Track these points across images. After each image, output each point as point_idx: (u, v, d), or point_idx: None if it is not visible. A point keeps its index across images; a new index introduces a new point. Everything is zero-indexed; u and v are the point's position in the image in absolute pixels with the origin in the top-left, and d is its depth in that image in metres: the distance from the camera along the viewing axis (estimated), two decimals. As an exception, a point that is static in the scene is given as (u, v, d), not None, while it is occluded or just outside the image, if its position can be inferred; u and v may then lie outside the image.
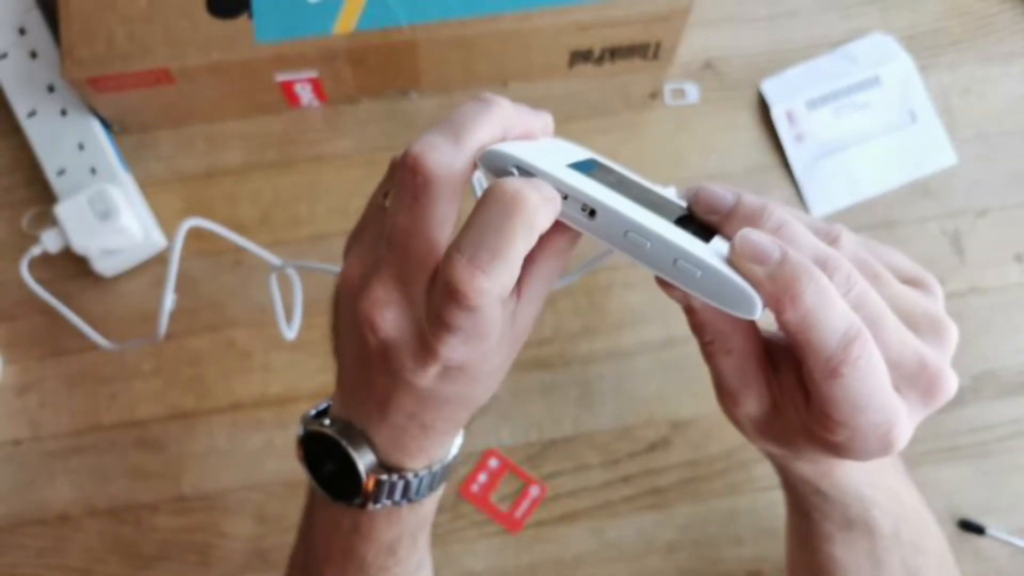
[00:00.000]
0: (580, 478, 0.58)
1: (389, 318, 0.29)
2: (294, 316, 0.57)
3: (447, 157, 0.28)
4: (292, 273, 0.57)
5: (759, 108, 0.65)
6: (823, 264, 0.28)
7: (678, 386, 0.60)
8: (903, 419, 0.29)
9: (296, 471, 0.58)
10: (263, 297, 0.61)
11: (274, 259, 0.57)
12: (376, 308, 0.29)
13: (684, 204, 0.31)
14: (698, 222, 0.30)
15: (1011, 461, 0.58)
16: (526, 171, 0.28)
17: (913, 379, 0.29)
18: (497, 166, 0.29)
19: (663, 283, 0.29)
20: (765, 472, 0.58)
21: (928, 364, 0.29)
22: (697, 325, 0.31)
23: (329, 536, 0.39)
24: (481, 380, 0.33)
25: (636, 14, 0.59)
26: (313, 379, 0.60)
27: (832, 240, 0.31)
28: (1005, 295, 0.61)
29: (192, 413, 0.59)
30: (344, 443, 0.35)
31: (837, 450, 0.30)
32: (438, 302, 0.28)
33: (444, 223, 0.29)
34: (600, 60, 0.63)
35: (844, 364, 0.27)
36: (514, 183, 0.27)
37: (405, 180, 0.28)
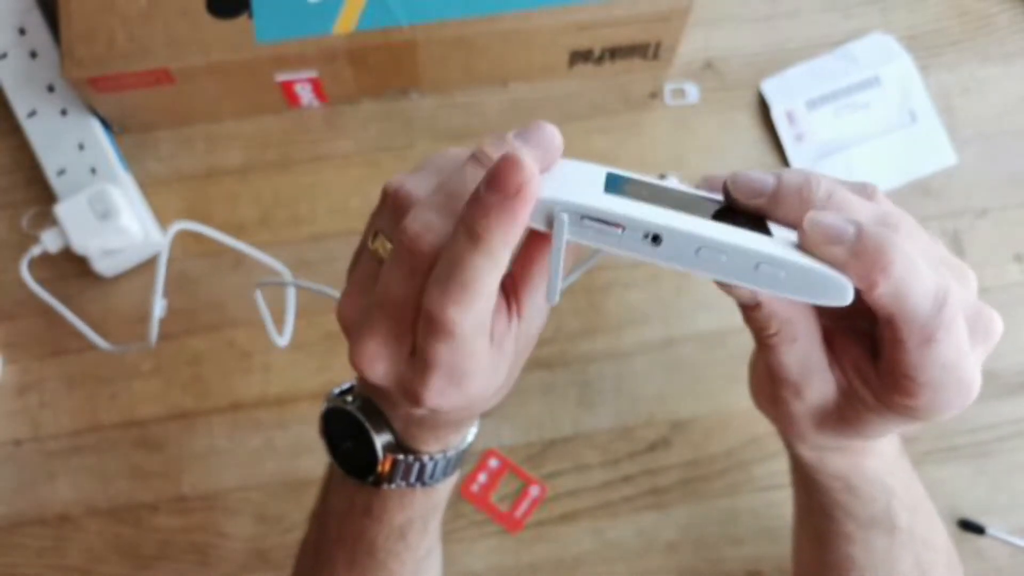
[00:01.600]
0: (580, 478, 0.58)
1: (379, 370, 0.30)
2: (286, 322, 0.57)
3: (444, 237, 0.28)
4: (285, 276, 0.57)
5: (759, 108, 0.65)
6: (886, 225, 0.27)
7: (678, 386, 0.60)
8: (976, 368, 0.29)
9: (296, 471, 0.58)
10: (263, 297, 0.61)
11: (265, 258, 0.57)
12: (366, 361, 0.30)
13: (714, 197, 0.30)
14: (740, 213, 0.29)
15: (1011, 461, 0.58)
16: (576, 212, 0.27)
17: (975, 326, 0.29)
18: (543, 216, 0.27)
19: (724, 284, 0.28)
20: (765, 472, 0.58)
21: (982, 309, 0.29)
22: (761, 319, 0.30)
23: (342, 517, 0.40)
24: (482, 401, 0.33)
25: (636, 14, 0.59)
26: (313, 379, 0.60)
27: (872, 195, 0.30)
28: (1005, 295, 0.61)
29: (192, 413, 0.59)
30: (364, 420, 0.36)
31: (915, 413, 0.29)
32: (421, 341, 0.28)
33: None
34: (600, 60, 0.63)
35: (940, 328, 0.26)
36: (470, 213, 0.26)
37: (401, 254, 0.28)
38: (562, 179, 0.29)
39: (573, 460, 0.59)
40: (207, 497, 0.58)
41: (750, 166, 0.63)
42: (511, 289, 0.31)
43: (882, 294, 0.26)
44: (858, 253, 0.26)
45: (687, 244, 0.26)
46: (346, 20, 0.58)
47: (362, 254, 0.32)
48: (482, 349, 0.29)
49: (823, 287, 0.26)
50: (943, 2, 0.67)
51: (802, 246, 0.27)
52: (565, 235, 0.27)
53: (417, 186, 0.30)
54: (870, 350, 0.31)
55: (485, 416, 0.41)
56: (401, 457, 0.37)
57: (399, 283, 0.28)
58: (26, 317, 0.61)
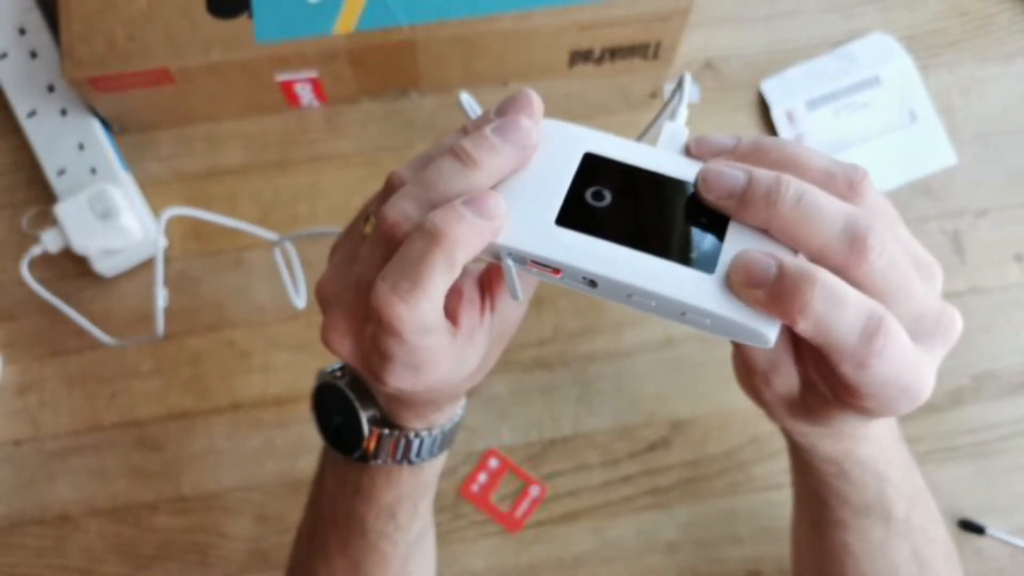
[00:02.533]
0: (580, 478, 0.58)
1: (346, 347, 0.31)
2: (299, 285, 0.57)
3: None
4: (289, 249, 0.57)
5: (759, 108, 0.65)
6: (853, 235, 0.27)
7: (678, 386, 0.60)
8: (928, 370, 0.29)
9: (296, 471, 0.58)
10: (263, 297, 0.61)
11: (269, 234, 0.57)
12: (336, 337, 0.31)
13: (695, 168, 0.30)
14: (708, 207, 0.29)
15: (1011, 461, 0.58)
16: (519, 256, 0.28)
17: (933, 328, 0.29)
18: (491, 252, 0.29)
19: None
20: (765, 472, 0.58)
21: (943, 311, 0.29)
22: None
23: (334, 498, 0.41)
24: (454, 385, 0.33)
25: (636, 14, 0.59)
26: (313, 379, 0.60)
27: (854, 186, 0.29)
28: (1005, 295, 0.61)
29: (192, 413, 0.59)
30: (351, 395, 0.38)
31: (870, 413, 0.30)
32: (373, 331, 0.29)
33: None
34: (600, 60, 0.63)
35: (870, 356, 0.27)
36: (438, 218, 0.27)
37: (378, 239, 0.29)
38: (526, 186, 0.29)
39: (573, 460, 0.59)
40: (207, 497, 0.58)
41: (750, 166, 0.63)
42: (486, 284, 0.32)
43: (804, 330, 0.26)
44: (775, 295, 0.26)
45: (619, 289, 0.28)
46: (346, 20, 0.58)
47: (350, 234, 0.33)
48: (436, 344, 0.29)
49: (745, 334, 0.27)
50: (943, 2, 0.67)
51: (728, 285, 0.27)
52: (513, 271, 0.29)
53: (408, 174, 0.31)
54: None
55: (471, 396, 0.41)
56: (386, 432, 0.38)
57: (373, 266, 0.29)
58: (26, 317, 0.61)
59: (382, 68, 0.61)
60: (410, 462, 0.39)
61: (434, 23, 0.58)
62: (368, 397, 0.39)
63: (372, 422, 0.38)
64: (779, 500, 0.57)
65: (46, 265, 0.60)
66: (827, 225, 0.27)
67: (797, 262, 0.27)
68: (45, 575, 0.57)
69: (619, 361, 0.60)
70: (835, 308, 0.26)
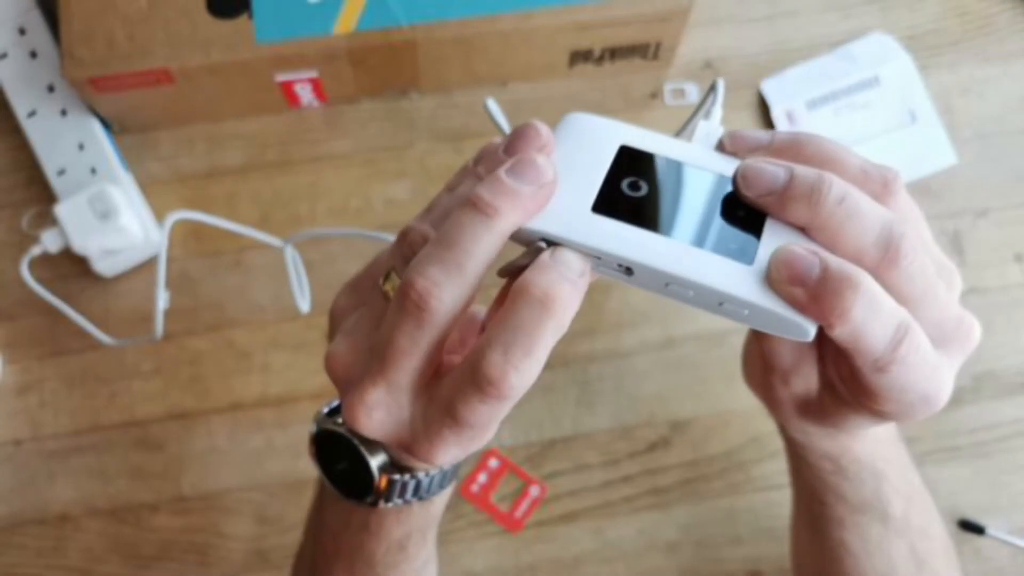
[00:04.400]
0: (580, 478, 0.58)
1: (376, 421, 0.29)
2: (304, 289, 0.58)
3: (451, 294, 0.28)
4: (294, 255, 0.57)
5: (759, 108, 0.65)
6: (888, 241, 0.27)
7: (678, 386, 0.60)
8: (947, 377, 0.29)
9: (296, 471, 0.58)
10: (263, 297, 0.61)
11: (273, 240, 0.57)
12: (363, 411, 0.29)
13: (732, 164, 0.30)
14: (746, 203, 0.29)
15: (1011, 461, 0.58)
16: (556, 243, 0.28)
17: (953, 335, 0.29)
18: (524, 240, 0.29)
19: None
20: (765, 472, 0.58)
21: (963, 318, 0.29)
22: None
23: (339, 533, 0.39)
24: None
25: (636, 14, 0.59)
26: (313, 379, 0.60)
27: (887, 186, 0.29)
28: (1005, 295, 0.61)
29: (192, 413, 0.59)
30: (356, 443, 0.36)
31: (886, 417, 0.30)
32: (456, 397, 0.28)
33: (437, 350, 0.29)
34: (600, 60, 0.63)
35: (893, 363, 0.27)
36: (543, 282, 0.27)
37: (408, 308, 0.28)
38: (563, 176, 0.29)
39: (573, 460, 0.59)
40: (207, 497, 0.58)
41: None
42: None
43: (838, 335, 0.26)
44: (817, 297, 0.26)
45: (657, 278, 0.28)
46: (346, 20, 0.58)
47: (360, 292, 0.32)
48: (501, 419, 0.29)
49: (785, 327, 0.27)
50: (943, 2, 0.67)
51: (768, 279, 0.27)
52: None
53: (426, 229, 0.30)
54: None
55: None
56: (397, 476, 0.36)
57: (405, 335, 0.28)
58: (26, 317, 0.61)
59: (382, 68, 0.61)
60: (420, 499, 0.37)
61: (434, 23, 0.58)
62: (374, 443, 0.36)
63: (381, 468, 0.36)
64: (779, 500, 0.57)
65: (46, 265, 0.60)
66: (866, 229, 0.27)
67: (841, 263, 0.26)
68: (45, 575, 0.57)
69: (619, 361, 0.60)
70: (872, 316, 0.26)
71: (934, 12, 0.67)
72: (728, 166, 0.30)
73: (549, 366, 0.62)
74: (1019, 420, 0.59)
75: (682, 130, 0.39)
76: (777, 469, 0.58)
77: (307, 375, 0.60)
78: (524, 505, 0.58)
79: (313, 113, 0.65)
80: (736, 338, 0.60)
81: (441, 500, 0.40)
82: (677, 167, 0.30)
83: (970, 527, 0.57)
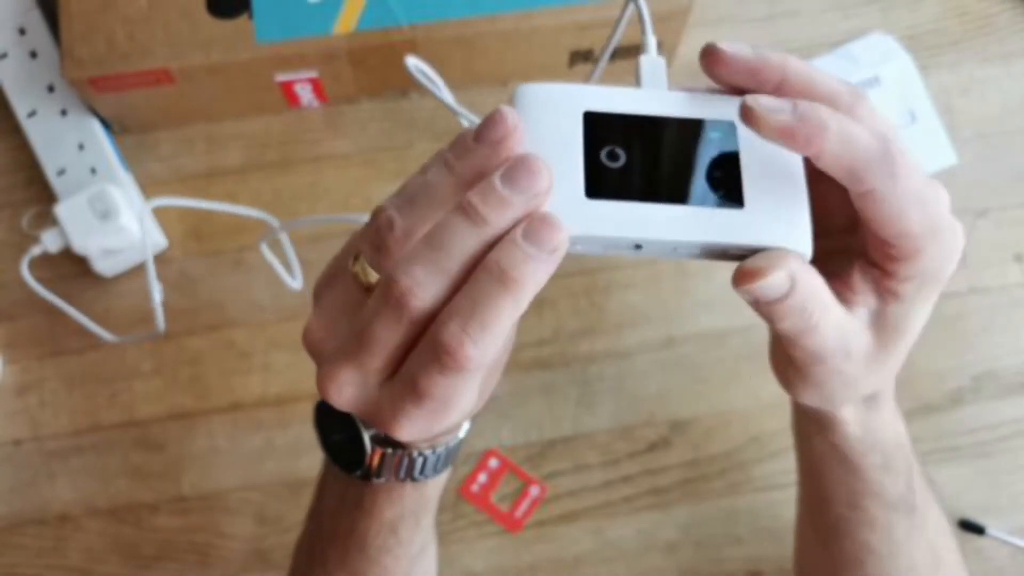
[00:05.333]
0: (580, 478, 0.58)
1: (346, 396, 0.30)
2: (293, 270, 0.58)
3: (432, 294, 0.28)
4: (283, 238, 0.57)
5: (759, 108, 0.65)
6: (887, 159, 0.29)
7: (678, 386, 0.60)
8: (944, 197, 0.31)
9: (296, 471, 0.58)
10: (263, 297, 0.61)
11: (263, 215, 0.57)
12: (333, 387, 0.30)
13: (694, 98, 0.31)
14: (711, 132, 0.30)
15: (1011, 461, 0.58)
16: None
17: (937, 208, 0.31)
18: None
19: (743, 288, 0.29)
20: (765, 472, 0.58)
21: (938, 186, 0.31)
22: (794, 309, 0.30)
23: (334, 512, 0.40)
24: (448, 428, 0.33)
25: (636, 14, 0.59)
26: (313, 379, 0.59)
27: (855, 108, 0.31)
28: (1005, 295, 0.61)
29: (192, 413, 0.59)
30: (354, 415, 0.37)
31: (924, 272, 0.31)
32: (419, 371, 0.28)
33: (418, 336, 0.29)
34: (600, 60, 0.63)
35: (896, 157, 0.28)
36: (504, 259, 0.27)
37: (390, 303, 0.28)
38: (539, 152, 0.29)
39: (573, 460, 0.59)
40: (207, 497, 0.58)
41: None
42: None
43: (832, 147, 0.28)
44: (801, 117, 0.27)
45: (664, 246, 0.29)
46: (346, 20, 0.58)
47: (337, 276, 0.32)
48: (474, 386, 0.29)
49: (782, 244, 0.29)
50: (943, 2, 0.67)
51: (744, 118, 0.28)
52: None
53: (402, 218, 0.30)
54: (863, 263, 0.33)
55: (481, 415, 0.41)
56: (389, 451, 0.37)
57: (385, 327, 0.28)
58: (26, 317, 0.61)
59: (382, 68, 0.61)
60: (413, 479, 0.38)
61: (434, 23, 0.58)
62: None
63: (375, 440, 0.38)
64: (779, 500, 0.57)
65: (46, 265, 0.60)
66: (863, 153, 0.28)
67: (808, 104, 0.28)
68: (45, 575, 0.57)
69: (619, 361, 0.60)
70: (850, 125, 0.28)
71: (934, 12, 0.67)
72: (691, 108, 0.30)
73: (549, 366, 0.63)
74: (1019, 420, 0.59)
75: (603, 54, 0.40)
76: (777, 469, 0.58)
77: (307, 375, 0.60)
78: (524, 505, 0.58)
79: (313, 113, 0.65)
80: (736, 339, 0.60)
81: (435, 485, 0.40)
82: (646, 122, 0.30)
83: (970, 527, 0.57)
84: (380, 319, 0.28)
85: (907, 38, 0.65)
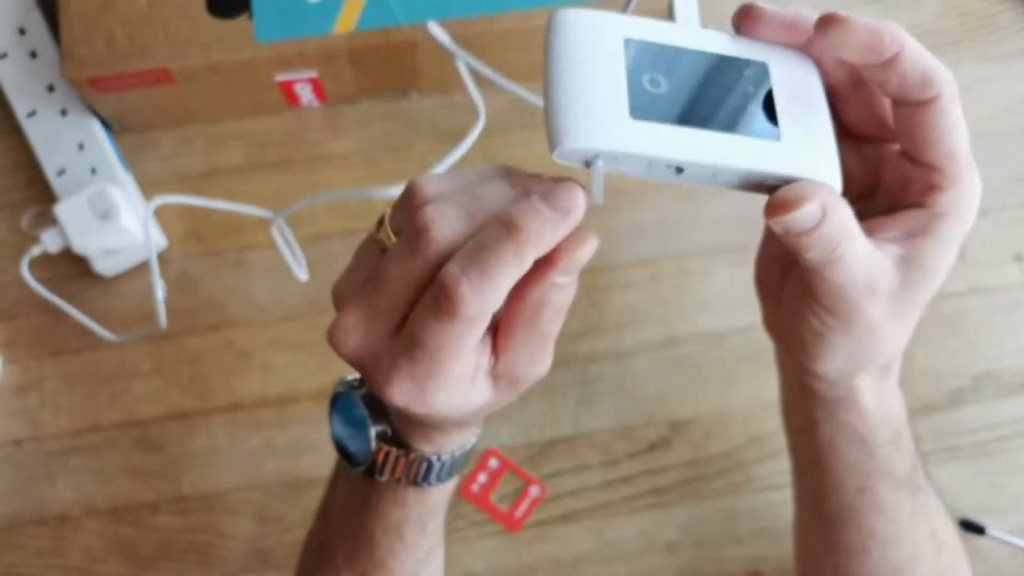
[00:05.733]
0: (580, 478, 0.58)
1: (351, 344, 0.31)
2: (299, 259, 0.58)
3: (456, 230, 0.29)
4: (281, 227, 0.57)
5: (759, 108, 0.65)
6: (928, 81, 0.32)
7: (678, 386, 0.60)
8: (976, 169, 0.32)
9: (296, 471, 0.58)
10: (263, 297, 0.61)
11: (261, 212, 0.57)
12: (341, 332, 0.31)
13: (726, 41, 0.32)
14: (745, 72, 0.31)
15: (1011, 461, 0.58)
16: (610, 156, 0.29)
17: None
18: (582, 159, 0.29)
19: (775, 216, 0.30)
20: (765, 472, 0.58)
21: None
22: (824, 237, 0.30)
23: (344, 509, 0.41)
24: (455, 419, 0.33)
25: (636, 14, 0.59)
26: (313, 379, 0.60)
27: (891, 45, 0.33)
28: (1005, 295, 0.61)
29: (192, 413, 0.59)
30: (364, 408, 0.38)
31: (957, 189, 0.32)
32: (417, 316, 0.29)
33: (426, 285, 0.29)
34: (600, 60, 0.63)
35: (945, 88, 0.30)
36: (514, 211, 0.28)
37: (409, 236, 0.29)
38: (586, 85, 0.30)
39: (573, 460, 0.59)
40: (207, 497, 0.58)
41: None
42: (497, 330, 0.32)
43: (911, 48, 0.31)
44: (882, 23, 0.31)
45: (705, 172, 0.30)
46: (346, 20, 0.58)
47: (365, 247, 0.33)
48: (460, 362, 0.29)
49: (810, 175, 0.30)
50: (943, 2, 0.67)
51: (823, 25, 0.30)
52: (601, 174, 0.29)
53: (439, 187, 0.30)
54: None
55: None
56: (393, 450, 0.38)
57: (397, 261, 0.29)
58: (26, 317, 0.61)
59: (382, 68, 0.61)
60: (415, 484, 0.38)
61: (434, 23, 0.58)
62: (381, 412, 0.39)
63: (381, 437, 0.38)
64: (779, 500, 0.57)
65: (46, 265, 0.60)
66: (932, 61, 0.32)
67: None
68: (45, 575, 0.57)
69: (619, 361, 0.60)
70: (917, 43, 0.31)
71: (934, 12, 0.67)
72: (726, 46, 0.31)
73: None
74: (1019, 420, 0.59)
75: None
76: (777, 469, 0.58)
77: (307, 375, 0.60)
78: (524, 505, 0.58)
79: (313, 113, 0.65)
80: (736, 338, 0.60)
81: (439, 493, 0.40)
82: (686, 55, 0.31)
83: (970, 527, 0.57)
84: (395, 255, 0.29)
85: (907, 38, 0.65)
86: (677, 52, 0.31)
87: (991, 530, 0.57)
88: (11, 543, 0.57)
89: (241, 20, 0.58)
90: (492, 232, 0.28)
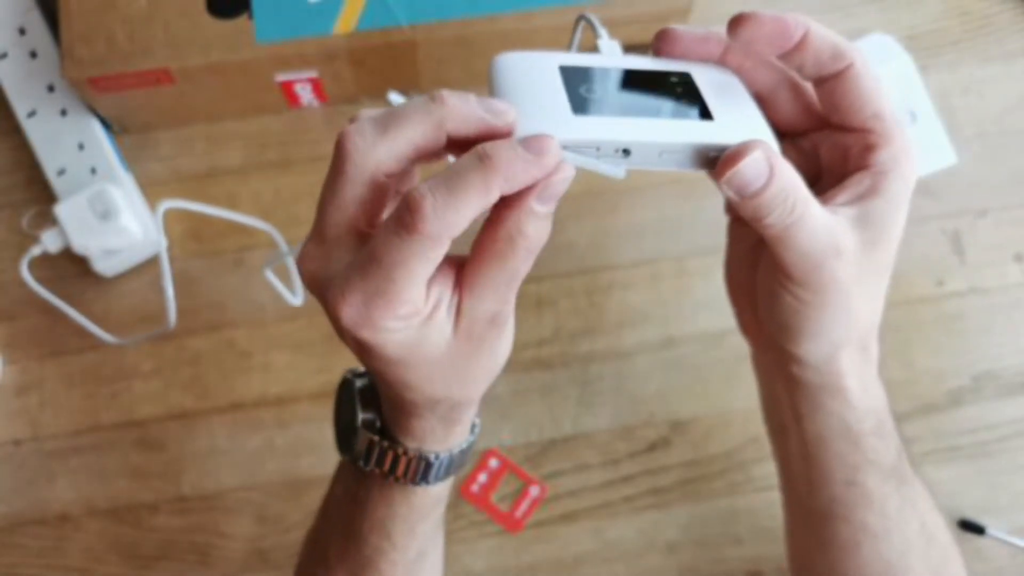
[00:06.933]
0: (580, 478, 0.58)
1: (309, 269, 0.32)
2: (295, 284, 0.58)
3: (366, 143, 0.30)
4: (287, 260, 0.58)
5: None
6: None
7: (678, 386, 0.60)
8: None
9: (296, 471, 0.58)
10: (263, 297, 0.61)
11: (269, 228, 0.58)
12: (302, 260, 0.32)
13: (636, 59, 0.35)
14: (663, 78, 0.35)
15: (1011, 461, 0.58)
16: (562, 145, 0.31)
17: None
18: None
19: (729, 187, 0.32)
20: (765, 472, 0.58)
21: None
22: (778, 197, 0.32)
23: (339, 503, 0.42)
24: (407, 359, 0.33)
25: (636, 14, 0.59)
26: (313, 379, 0.60)
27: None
28: (1005, 295, 0.61)
29: (192, 413, 0.60)
30: (357, 394, 0.39)
31: (893, 145, 0.34)
32: (380, 230, 0.30)
33: (358, 202, 0.31)
34: (600, 60, 0.63)
35: (855, 56, 0.33)
36: (489, 145, 0.29)
37: (334, 158, 0.31)
38: (531, 100, 0.32)
39: (573, 460, 0.59)
40: (207, 497, 0.58)
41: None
42: (461, 272, 0.32)
43: (817, 28, 0.33)
44: (783, 13, 0.33)
45: (651, 150, 0.32)
46: (346, 20, 0.58)
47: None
48: (413, 286, 0.29)
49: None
50: (943, 2, 0.67)
51: (735, 24, 0.34)
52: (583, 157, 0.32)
53: (370, 112, 0.32)
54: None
55: (480, 415, 0.41)
56: (376, 439, 0.38)
57: (327, 186, 0.31)
58: (26, 317, 0.61)
59: (382, 68, 0.61)
60: (396, 479, 0.38)
61: (434, 23, 0.58)
62: (372, 401, 0.39)
63: (366, 425, 0.39)
64: (779, 500, 0.57)
65: (46, 265, 0.60)
66: (837, 37, 0.34)
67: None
68: (45, 575, 0.57)
69: (619, 361, 0.60)
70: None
71: (934, 12, 0.67)
72: (648, 63, 0.35)
73: (549, 366, 0.63)
74: (1019, 420, 0.59)
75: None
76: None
77: (307, 375, 0.60)
78: (524, 505, 0.58)
79: (313, 113, 0.65)
80: (736, 338, 0.60)
81: (427, 495, 0.40)
82: (615, 71, 0.35)
83: (970, 527, 0.57)
84: (327, 178, 0.31)
85: (907, 38, 0.65)
86: (606, 70, 0.34)
87: (991, 530, 0.57)
88: (11, 543, 0.57)
89: (241, 20, 0.58)
90: (465, 160, 0.29)
